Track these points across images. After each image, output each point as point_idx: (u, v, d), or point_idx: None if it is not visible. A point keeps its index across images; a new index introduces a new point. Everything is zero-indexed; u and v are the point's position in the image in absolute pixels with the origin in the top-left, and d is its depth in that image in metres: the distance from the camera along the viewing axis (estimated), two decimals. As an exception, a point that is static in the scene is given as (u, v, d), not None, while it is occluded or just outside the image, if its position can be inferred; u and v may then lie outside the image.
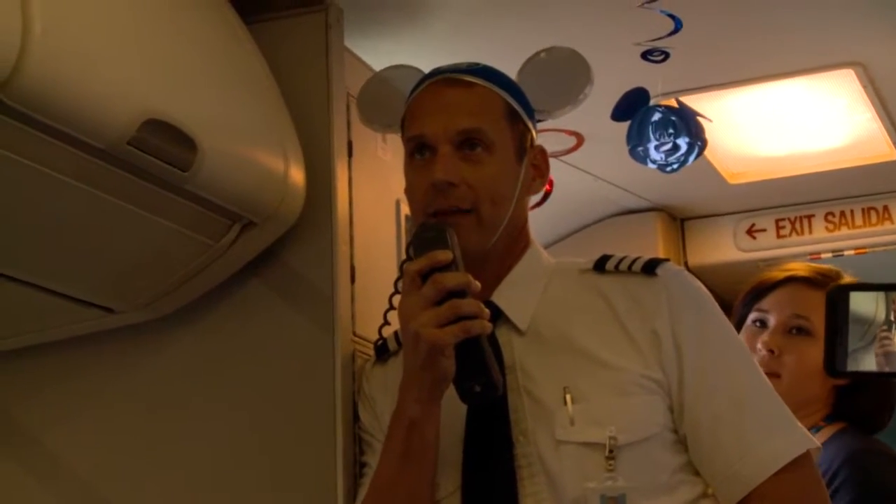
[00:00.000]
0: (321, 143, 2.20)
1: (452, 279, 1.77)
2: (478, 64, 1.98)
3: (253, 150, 2.07)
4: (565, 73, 2.06)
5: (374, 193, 2.34)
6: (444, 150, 1.90)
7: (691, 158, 2.66)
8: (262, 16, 2.25)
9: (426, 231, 1.83)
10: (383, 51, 2.41)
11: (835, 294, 1.48)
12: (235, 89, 2.08)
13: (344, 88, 2.26)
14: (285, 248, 2.19)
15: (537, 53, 2.07)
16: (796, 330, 2.45)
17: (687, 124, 2.62)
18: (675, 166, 2.66)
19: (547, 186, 2.06)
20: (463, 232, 1.87)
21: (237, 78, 2.09)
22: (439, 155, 1.90)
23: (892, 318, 1.48)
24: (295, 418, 2.14)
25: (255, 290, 2.21)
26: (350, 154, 2.26)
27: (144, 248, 2.05)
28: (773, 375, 2.27)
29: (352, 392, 2.11)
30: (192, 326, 2.24)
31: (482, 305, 1.79)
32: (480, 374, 1.76)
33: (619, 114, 2.64)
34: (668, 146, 2.61)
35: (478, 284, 1.80)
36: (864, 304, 1.47)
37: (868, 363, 1.50)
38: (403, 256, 2.33)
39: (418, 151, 1.94)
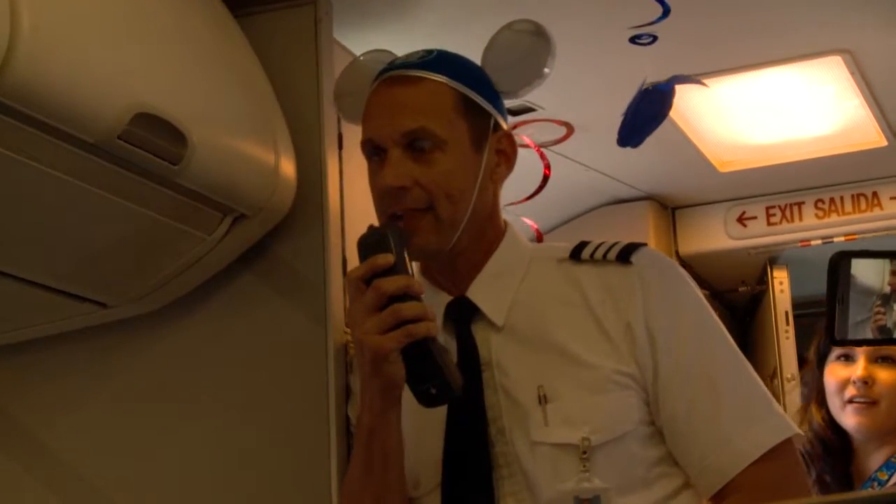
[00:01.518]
0: (311, 135, 2.20)
1: (391, 283, 1.74)
2: (431, 52, 1.94)
3: (243, 143, 2.07)
4: (527, 48, 1.98)
5: (366, 186, 2.28)
6: (394, 153, 1.87)
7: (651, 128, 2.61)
8: (252, 9, 2.25)
9: (369, 236, 1.81)
10: (373, 43, 2.38)
11: (836, 260, 1.46)
12: (225, 82, 2.08)
13: (334, 81, 2.22)
14: (277, 241, 2.19)
15: (500, 30, 2.00)
16: (881, 359, 2.67)
17: (658, 96, 2.58)
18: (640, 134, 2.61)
19: (545, 170, 2.03)
20: (422, 232, 1.86)
21: (227, 71, 2.09)
22: (388, 158, 1.88)
23: (888, 290, 1.47)
24: (288, 410, 2.15)
25: (248, 283, 2.21)
26: (340, 146, 2.26)
27: (136, 242, 2.05)
28: (871, 404, 2.56)
29: (345, 384, 2.11)
30: (184, 320, 2.24)
31: (425, 307, 1.75)
32: (432, 376, 1.74)
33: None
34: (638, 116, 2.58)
35: (419, 286, 1.77)
36: (868, 273, 1.46)
37: (867, 333, 1.49)
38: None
39: (374, 154, 1.91)
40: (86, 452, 2.28)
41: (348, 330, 2.16)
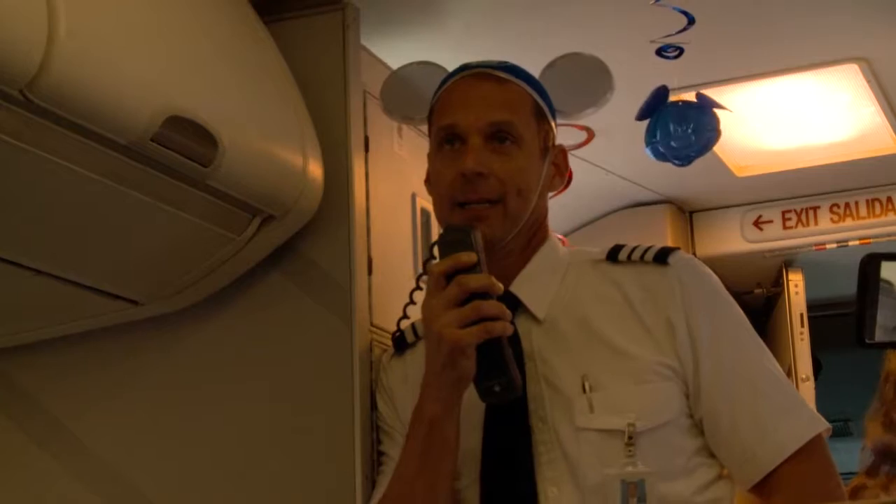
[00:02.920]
0: (338, 138, 2.22)
1: (476, 281, 1.79)
2: (507, 62, 2.01)
3: (272, 146, 2.09)
4: (588, 78, 2.09)
5: (391, 187, 2.36)
6: (475, 141, 1.93)
7: (702, 149, 2.69)
8: (281, 14, 2.28)
9: (451, 233, 1.86)
10: (399, 49, 2.42)
11: (865, 263, 1.46)
12: (255, 86, 2.10)
13: (360, 85, 2.28)
14: (304, 241, 2.21)
15: (560, 58, 2.10)
16: None
17: (700, 117, 2.65)
18: (689, 157, 2.68)
19: (568, 173, 2.10)
20: (490, 222, 1.91)
21: (256, 75, 2.12)
22: (470, 146, 1.93)
23: None
24: (314, 407, 2.17)
25: (275, 282, 2.23)
26: (367, 149, 2.28)
27: (167, 241, 2.08)
28: None
29: (370, 381, 2.13)
30: (213, 318, 2.27)
31: (504, 307, 1.81)
32: (500, 374, 1.78)
33: (642, 113, 2.67)
34: (682, 140, 2.64)
35: (500, 286, 1.82)
36: None
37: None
38: (419, 249, 2.37)
39: (448, 141, 1.96)
40: (117, 445, 2.30)
41: (374, 328, 2.20)
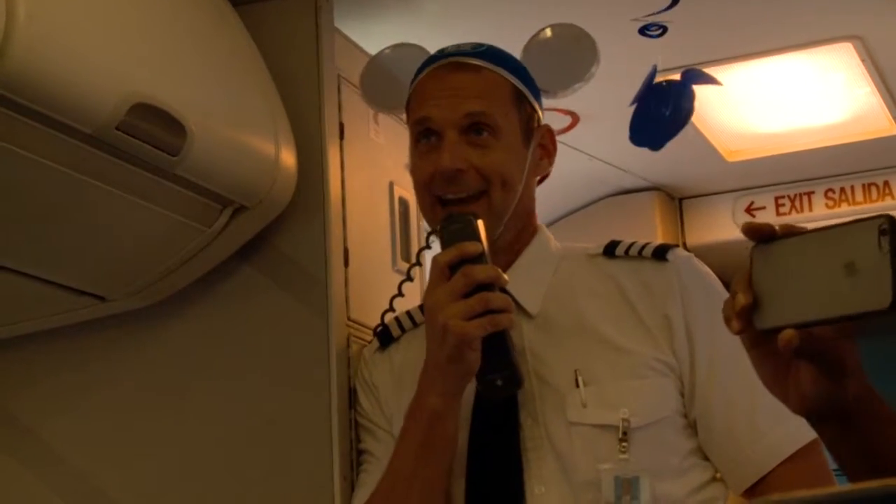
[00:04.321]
0: (312, 125, 2.19)
1: (482, 272, 1.77)
2: (482, 45, 1.97)
3: (243, 134, 2.05)
4: (571, 51, 2.05)
5: (367, 176, 2.33)
6: (451, 135, 1.89)
7: (675, 132, 2.62)
8: (251, -3, 2.24)
9: (454, 222, 1.82)
10: (374, 32, 2.39)
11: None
12: (224, 72, 2.07)
13: (335, 70, 2.24)
14: (277, 233, 2.18)
15: (542, 31, 2.06)
16: None
17: (675, 96, 2.59)
18: (663, 140, 2.62)
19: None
20: None
21: (226, 61, 2.08)
22: (446, 141, 1.90)
23: None
24: (290, 404, 2.13)
25: (248, 276, 2.20)
26: (342, 136, 2.25)
27: (135, 234, 2.05)
28: None
29: (347, 377, 2.10)
30: (184, 313, 2.23)
31: (510, 299, 1.79)
32: (504, 367, 1.76)
33: (636, 98, 2.61)
34: (658, 122, 2.59)
35: (506, 278, 1.80)
36: None
37: None
38: (398, 239, 2.35)
39: (424, 136, 1.93)
40: (85, 448, 2.27)
41: (351, 323, 2.17)
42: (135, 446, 2.24)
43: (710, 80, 2.67)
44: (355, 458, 2.06)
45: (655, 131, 2.57)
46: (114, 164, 1.85)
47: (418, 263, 2.13)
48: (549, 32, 2.06)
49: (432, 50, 2.01)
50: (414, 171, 1.97)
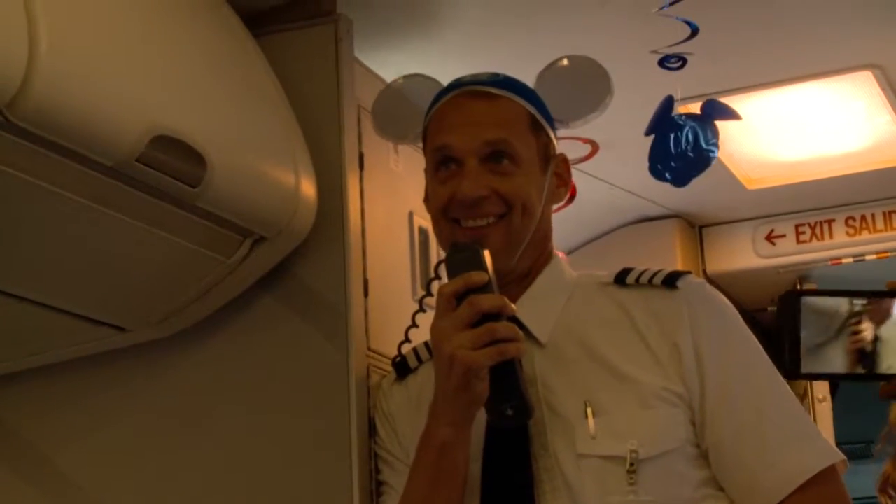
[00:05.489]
0: (332, 155, 2.18)
1: (488, 301, 1.75)
2: (498, 75, 1.97)
3: (263, 165, 2.05)
4: (585, 82, 2.05)
5: (387, 205, 2.32)
6: (471, 163, 1.90)
7: (701, 169, 2.63)
8: (271, 28, 2.24)
9: (459, 251, 1.81)
10: (394, 62, 2.39)
11: (783, 299, 1.45)
12: (245, 103, 2.07)
13: (355, 100, 2.24)
14: (297, 263, 2.18)
15: (557, 61, 2.06)
16: None
17: (701, 133, 2.59)
18: (689, 177, 2.62)
19: (571, 185, 2.06)
20: (493, 239, 1.87)
21: (246, 92, 2.08)
22: (466, 169, 1.90)
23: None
24: (310, 435, 2.12)
25: (268, 306, 2.20)
26: (361, 166, 2.25)
27: (155, 265, 2.04)
28: None
29: (367, 407, 2.09)
30: (204, 344, 2.23)
31: (517, 329, 1.77)
32: (513, 397, 1.75)
33: (650, 128, 2.62)
34: (681, 160, 2.59)
35: (513, 307, 1.79)
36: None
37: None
38: (418, 269, 2.34)
39: (443, 163, 1.93)
40: (103, 477, 2.26)
41: (371, 353, 2.16)
42: (153, 476, 2.23)
43: (730, 115, 2.66)
44: (375, 489, 2.05)
45: (677, 169, 2.57)
46: (134, 195, 1.85)
47: (429, 293, 2.12)
48: (565, 62, 2.07)
49: (451, 79, 2.01)
50: (431, 197, 1.96)
